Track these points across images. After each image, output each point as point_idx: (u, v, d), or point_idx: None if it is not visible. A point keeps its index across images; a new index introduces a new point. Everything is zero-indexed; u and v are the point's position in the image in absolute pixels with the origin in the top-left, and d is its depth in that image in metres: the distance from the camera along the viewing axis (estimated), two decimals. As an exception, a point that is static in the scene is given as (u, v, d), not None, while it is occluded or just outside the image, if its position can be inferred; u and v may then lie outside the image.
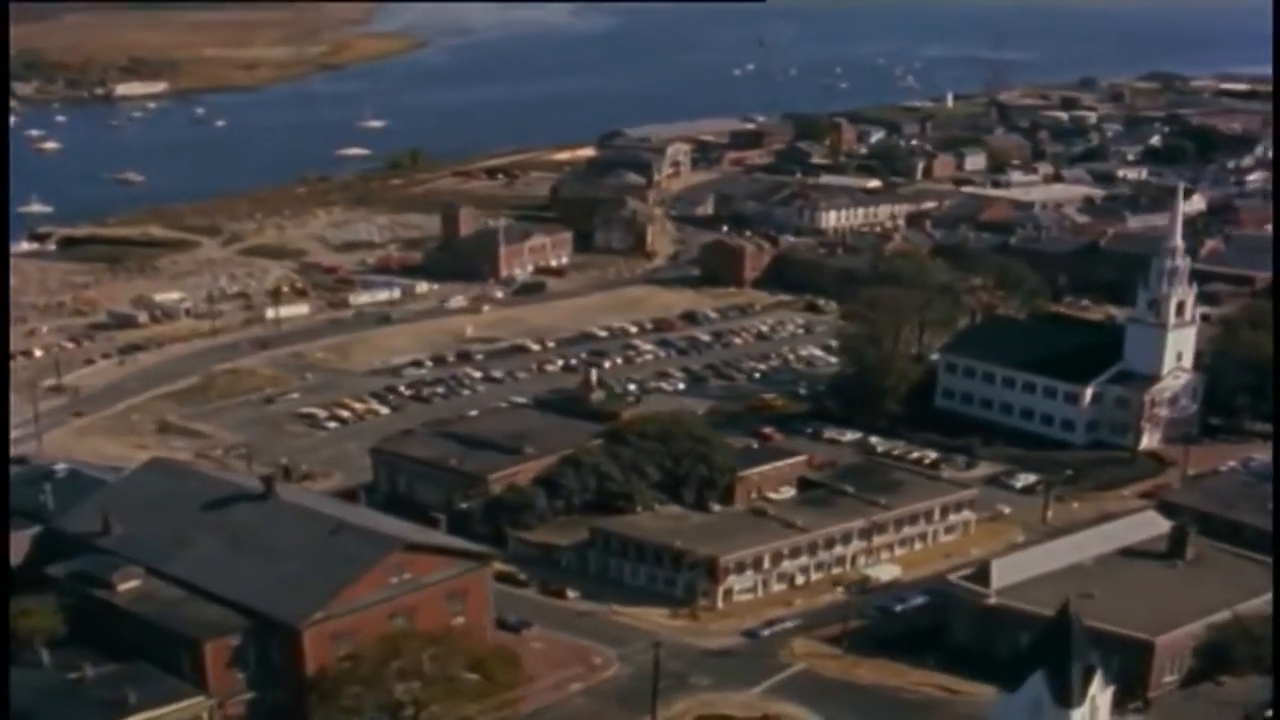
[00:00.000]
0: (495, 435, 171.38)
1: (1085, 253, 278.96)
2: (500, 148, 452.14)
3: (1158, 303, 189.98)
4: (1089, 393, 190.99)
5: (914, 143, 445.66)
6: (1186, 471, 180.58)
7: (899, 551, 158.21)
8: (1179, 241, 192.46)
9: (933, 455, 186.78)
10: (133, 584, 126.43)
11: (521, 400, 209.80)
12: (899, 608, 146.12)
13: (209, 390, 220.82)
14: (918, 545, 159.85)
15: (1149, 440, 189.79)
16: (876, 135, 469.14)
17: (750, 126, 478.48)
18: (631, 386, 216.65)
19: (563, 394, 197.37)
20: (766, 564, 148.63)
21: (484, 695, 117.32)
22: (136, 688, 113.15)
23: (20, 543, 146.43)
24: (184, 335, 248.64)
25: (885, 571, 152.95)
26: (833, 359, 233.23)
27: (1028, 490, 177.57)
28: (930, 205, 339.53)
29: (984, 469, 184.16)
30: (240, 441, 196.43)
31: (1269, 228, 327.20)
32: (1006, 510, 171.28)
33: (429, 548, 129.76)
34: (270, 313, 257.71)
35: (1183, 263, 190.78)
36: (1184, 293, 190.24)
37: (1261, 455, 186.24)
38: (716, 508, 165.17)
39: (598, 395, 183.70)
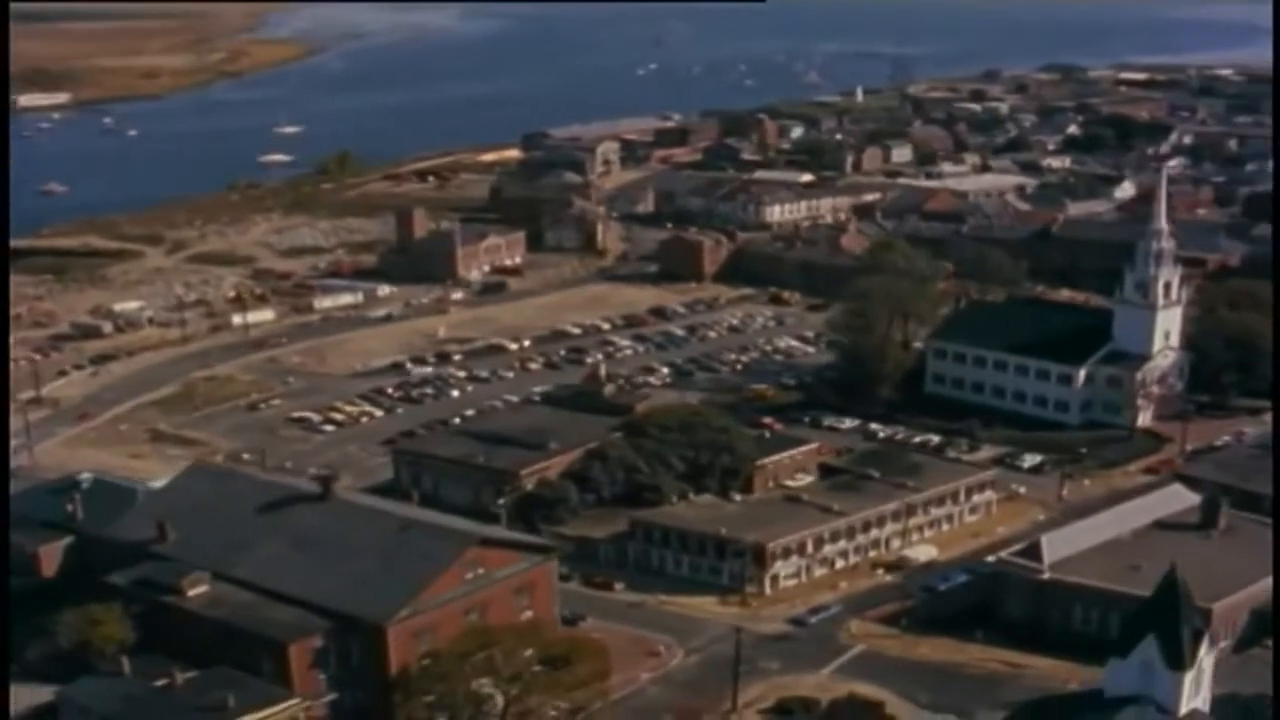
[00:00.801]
0: (515, 432, 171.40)
1: (1038, 239, 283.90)
2: (424, 151, 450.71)
3: (1145, 284, 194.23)
4: (1082, 373, 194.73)
5: (839, 137, 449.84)
6: (1185, 447, 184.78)
7: (929, 533, 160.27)
8: (1164, 224, 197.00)
9: (935, 439, 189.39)
10: (201, 589, 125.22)
11: (513, 398, 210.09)
12: (943, 587, 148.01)
13: (192, 398, 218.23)
14: (944, 526, 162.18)
15: (1143, 418, 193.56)
16: (796, 130, 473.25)
17: (671, 124, 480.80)
18: (619, 382, 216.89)
19: (571, 389, 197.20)
20: (810, 549, 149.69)
21: (577, 687, 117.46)
22: (229, 692, 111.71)
23: (52, 554, 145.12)
24: (153, 344, 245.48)
25: (922, 552, 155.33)
26: (810, 349, 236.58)
27: (1035, 470, 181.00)
28: (872, 197, 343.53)
29: (987, 451, 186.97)
30: (239, 448, 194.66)
31: (1201, 211, 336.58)
32: (1021, 490, 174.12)
33: (500, 542, 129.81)
34: (237, 319, 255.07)
35: (1168, 244, 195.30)
36: (1170, 273, 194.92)
37: (1251, 429, 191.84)
38: (738, 497, 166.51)
39: (610, 389, 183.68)
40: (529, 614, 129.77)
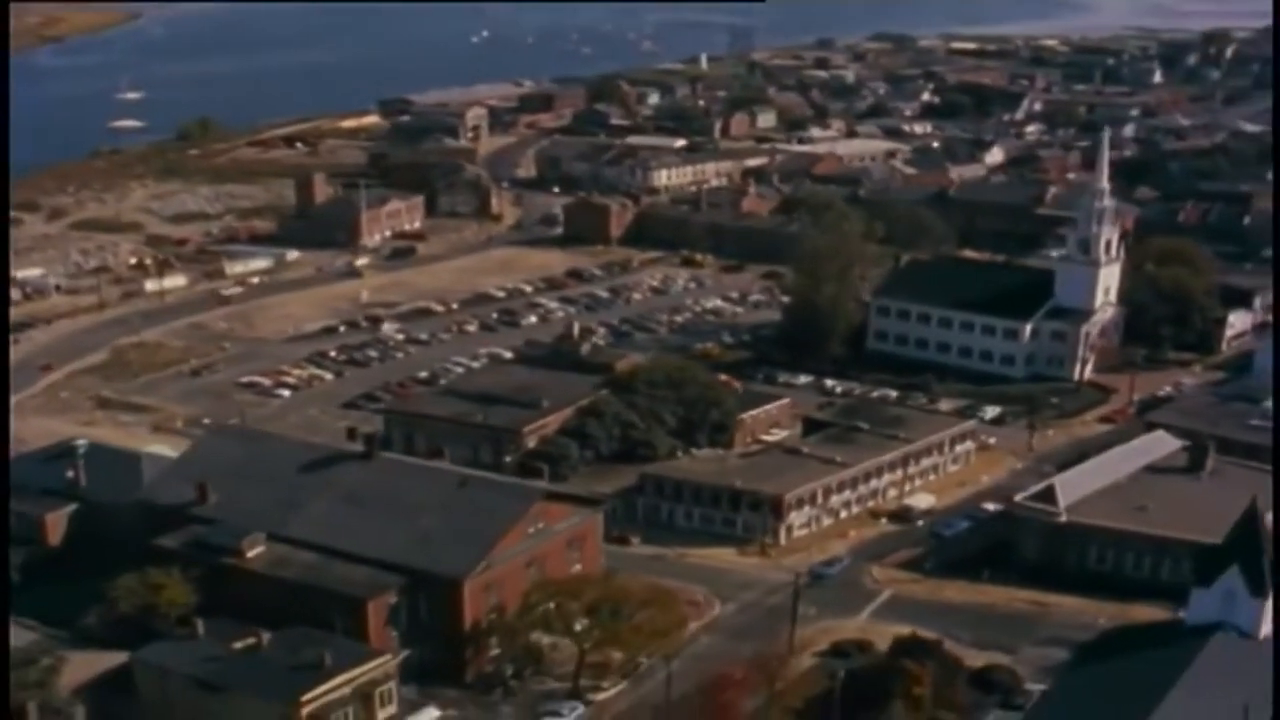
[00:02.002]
0: (504, 390, 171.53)
1: (935, 201, 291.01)
2: (280, 117, 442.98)
3: (1088, 241, 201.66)
4: (1028, 329, 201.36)
5: (700, 103, 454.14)
6: (1133, 397, 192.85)
7: (919, 482, 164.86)
8: (1105, 184, 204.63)
9: (892, 394, 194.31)
10: (259, 549, 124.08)
11: (462, 360, 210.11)
12: (948, 533, 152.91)
13: (127, 365, 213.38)
14: (931, 476, 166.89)
15: (1085, 371, 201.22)
16: (653, 97, 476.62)
17: (533, 90, 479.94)
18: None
19: (544, 347, 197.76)
20: (820, 499, 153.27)
21: (657, 636, 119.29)
22: (321, 649, 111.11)
23: (57, 521, 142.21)
24: (67, 311, 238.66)
25: (922, 500, 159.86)
26: (739, 309, 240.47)
27: (997, 421, 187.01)
28: (755, 162, 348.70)
29: (945, 404, 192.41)
30: (196, 413, 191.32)
31: (1071, 175, 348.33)
32: (991, 440, 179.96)
33: (558, 496, 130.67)
34: (150, 285, 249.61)
35: (1110, 203, 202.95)
36: (1111, 231, 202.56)
37: (1188, 379, 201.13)
38: (720, 451, 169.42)
39: (586, 347, 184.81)
40: (578, 567, 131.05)
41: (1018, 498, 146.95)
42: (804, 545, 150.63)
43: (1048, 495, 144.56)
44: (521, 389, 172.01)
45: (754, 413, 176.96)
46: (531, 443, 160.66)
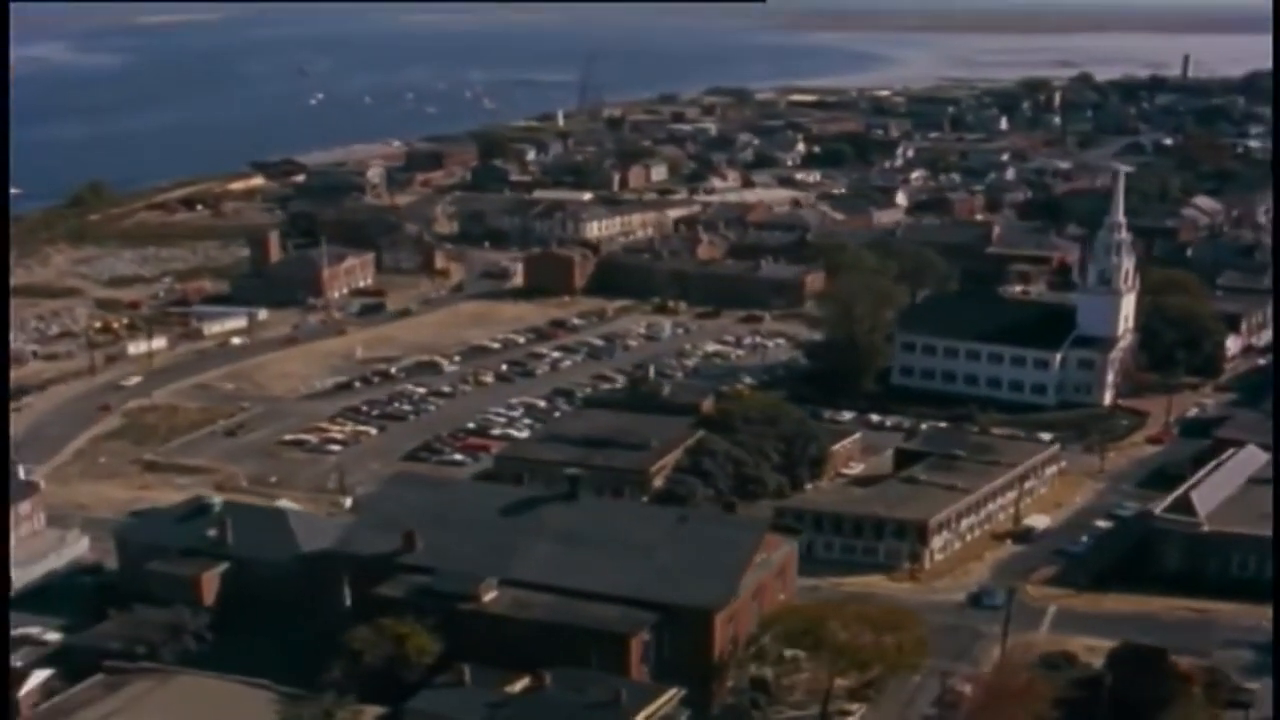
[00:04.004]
0: (605, 434, 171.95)
1: (881, 243, 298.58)
2: (159, 181, 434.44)
3: (1108, 272, 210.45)
4: (1058, 358, 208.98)
5: (578, 158, 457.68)
6: (1170, 418, 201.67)
7: (1022, 504, 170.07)
8: (1122, 218, 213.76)
9: (942, 425, 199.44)
10: (494, 593, 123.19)
11: (499, 410, 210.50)
12: (1074, 549, 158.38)
13: (150, 428, 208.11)
14: (1028, 499, 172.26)
15: (1108, 396, 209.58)
16: (530, 153, 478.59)
17: (409, 149, 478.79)
18: (586, 390, 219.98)
19: (621, 392, 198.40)
20: (953, 524, 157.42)
21: (908, 654, 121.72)
22: (609, 688, 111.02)
23: (211, 581, 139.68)
24: (57, 377, 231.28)
25: (1039, 521, 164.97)
26: (739, 352, 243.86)
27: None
28: (683, 212, 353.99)
29: (996, 433, 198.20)
30: (255, 472, 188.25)
31: (978, 216, 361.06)
32: (1061, 464, 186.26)
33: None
34: (132, 349, 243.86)
35: (1126, 236, 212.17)
36: (1128, 262, 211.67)
37: (1208, 400, 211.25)
38: (810, 485, 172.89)
39: (666, 389, 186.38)
40: (782, 596, 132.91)
41: (1157, 510, 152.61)
42: (946, 569, 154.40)
43: (1184, 507, 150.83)
44: (622, 431, 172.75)
45: (838, 446, 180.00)
46: (658, 482, 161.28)
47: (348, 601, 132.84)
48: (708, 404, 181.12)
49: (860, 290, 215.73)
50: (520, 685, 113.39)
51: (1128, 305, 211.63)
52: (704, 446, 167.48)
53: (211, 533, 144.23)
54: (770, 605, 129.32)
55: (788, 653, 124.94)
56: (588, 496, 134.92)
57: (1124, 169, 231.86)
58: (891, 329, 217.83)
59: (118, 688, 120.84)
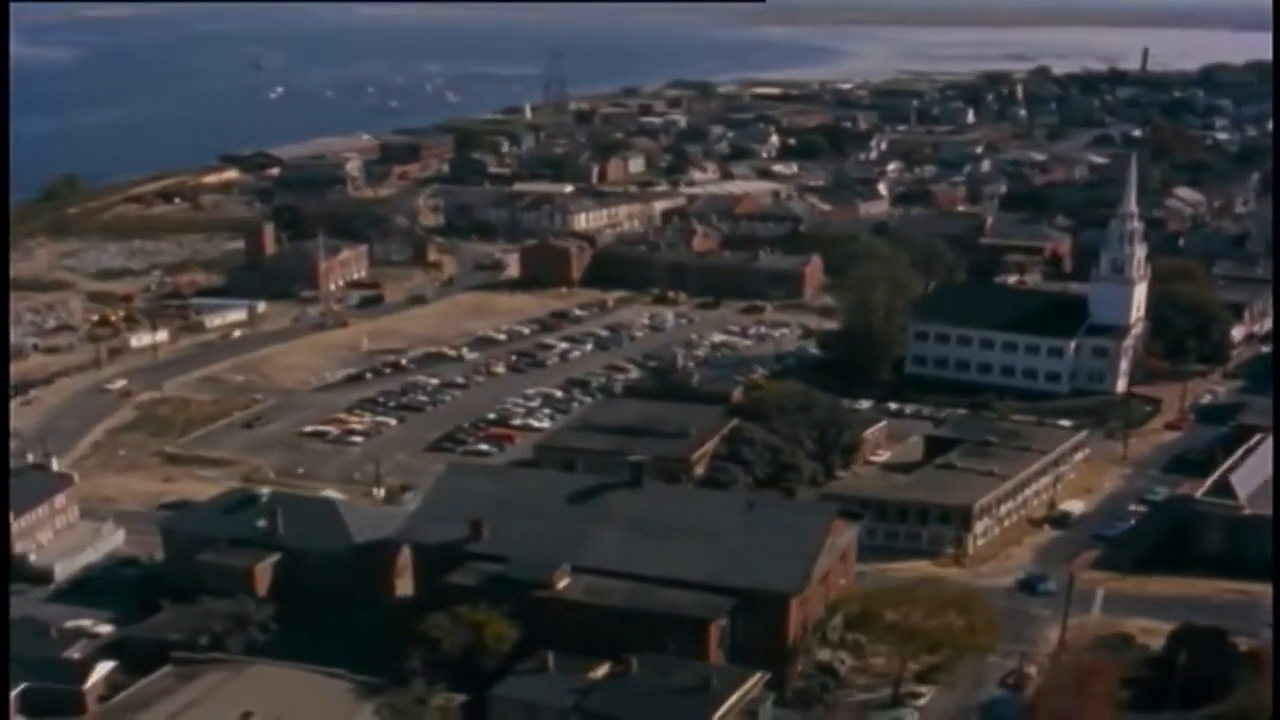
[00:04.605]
0: (642, 423, 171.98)
1: (877, 234, 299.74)
2: (131, 175, 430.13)
3: (1121, 261, 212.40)
4: (1072, 346, 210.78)
5: (558, 150, 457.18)
6: (1185, 404, 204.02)
7: (1053, 489, 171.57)
8: (1134, 207, 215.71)
9: (961, 413, 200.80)
10: (567, 580, 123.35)
11: (522, 399, 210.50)
12: (1111, 533, 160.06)
13: (165, 421, 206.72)
14: (1059, 484, 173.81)
15: (1121, 383, 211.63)
16: (504, 146, 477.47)
17: (384, 141, 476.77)
18: (600, 379, 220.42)
19: (651, 381, 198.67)
20: (993, 509, 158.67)
21: (978, 635, 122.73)
22: (696, 674, 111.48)
23: (264, 572, 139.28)
24: (62, 370, 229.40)
25: (1074, 506, 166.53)
26: (746, 343, 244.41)
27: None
28: (669, 204, 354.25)
29: (1018, 420, 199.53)
30: (280, 464, 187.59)
31: (960, 207, 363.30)
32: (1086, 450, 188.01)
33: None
34: (136, 341, 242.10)
35: (1139, 226, 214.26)
36: (1140, 251, 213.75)
37: (1219, 388, 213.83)
38: (840, 473, 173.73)
39: (697, 378, 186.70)
40: (843, 581, 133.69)
41: (1198, 494, 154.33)
42: (989, 554, 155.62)
43: (1224, 490, 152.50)
44: (657, 420, 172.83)
45: (868, 433, 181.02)
46: (699, 470, 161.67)
47: (410, 590, 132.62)
48: (737, 393, 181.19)
49: (877, 279, 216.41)
50: (601, 671, 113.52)
51: (1140, 293, 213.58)
52: (740, 434, 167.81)
53: (261, 523, 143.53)
54: (834, 590, 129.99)
55: (850, 636, 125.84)
56: (651, 483, 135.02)
57: (1132, 159, 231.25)
58: (906, 318, 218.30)
59: (190, 679, 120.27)
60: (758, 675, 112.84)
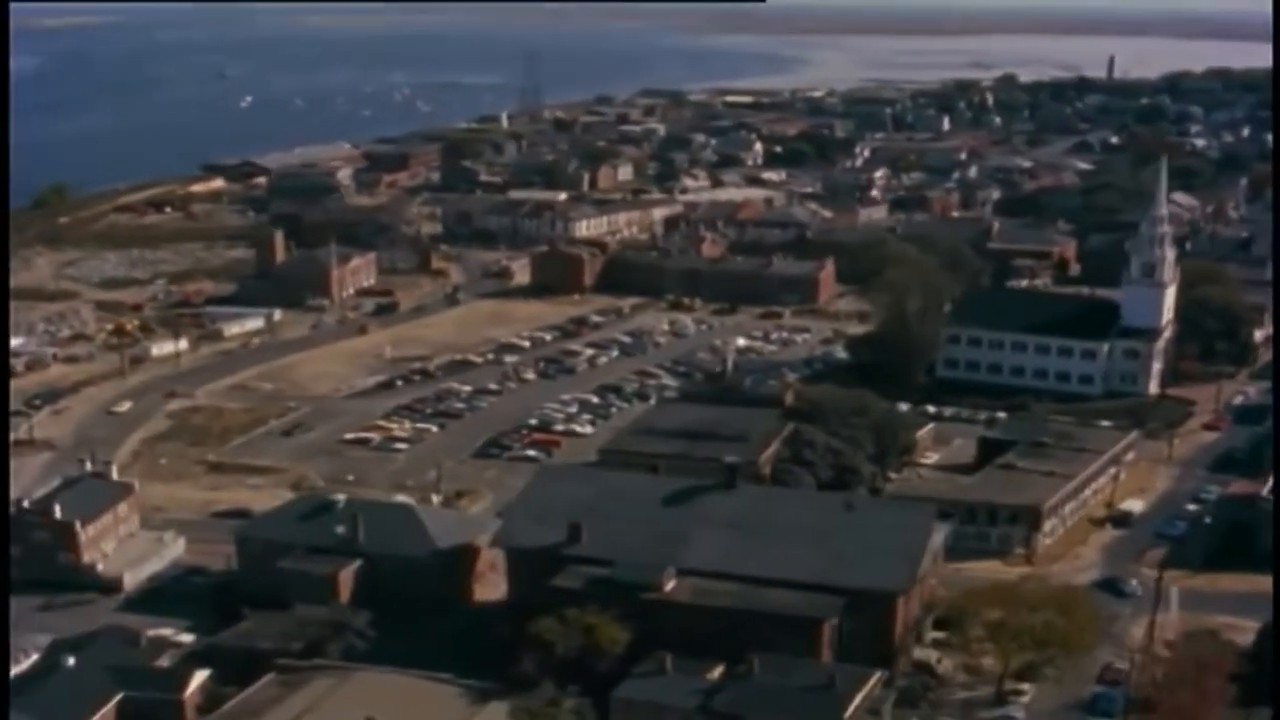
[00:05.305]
0: (700, 427, 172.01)
1: (879, 243, 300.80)
2: (115, 184, 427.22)
3: (1152, 265, 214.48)
4: (1105, 348, 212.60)
5: (549, 157, 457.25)
6: (1219, 405, 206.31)
7: (1108, 489, 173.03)
8: (1164, 211, 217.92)
9: (1002, 415, 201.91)
10: (673, 582, 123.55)
11: (555, 406, 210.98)
12: (1173, 532, 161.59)
13: (201, 429, 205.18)
14: (1112, 485, 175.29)
15: (1153, 385, 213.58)
16: (486, 153, 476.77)
17: (351, 150, 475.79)
18: (633, 385, 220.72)
19: (703, 385, 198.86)
20: (1058, 509, 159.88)
21: (1081, 632, 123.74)
22: (811, 674, 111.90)
23: (347, 579, 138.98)
24: (87, 380, 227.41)
25: (1134, 505, 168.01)
26: (771, 348, 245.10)
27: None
28: (669, 211, 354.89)
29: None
30: (327, 472, 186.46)
31: (955, 213, 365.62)
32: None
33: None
34: (157, 350, 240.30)
35: (1169, 229, 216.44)
36: (1171, 254, 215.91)
37: (1249, 389, 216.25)
38: (893, 475, 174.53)
39: (748, 382, 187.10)
40: (933, 580, 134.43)
41: (1264, 492, 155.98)
42: (1058, 553, 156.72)
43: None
44: (717, 424, 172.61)
45: (919, 435, 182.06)
46: (766, 472, 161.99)
47: (494, 594, 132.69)
48: (789, 396, 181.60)
49: (911, 283, 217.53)
50: (717, 672, 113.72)
51: (1170, 296, 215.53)
52: (801, 437, 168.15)
53: (340, 530, 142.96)
54: (928, 590, 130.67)
55: (954, 635, 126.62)
56: (744, 485, 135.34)
57: (1163, 163, 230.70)
58: (941, 322, 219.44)
59: (295, 686, 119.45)
60: (877, 674, 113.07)
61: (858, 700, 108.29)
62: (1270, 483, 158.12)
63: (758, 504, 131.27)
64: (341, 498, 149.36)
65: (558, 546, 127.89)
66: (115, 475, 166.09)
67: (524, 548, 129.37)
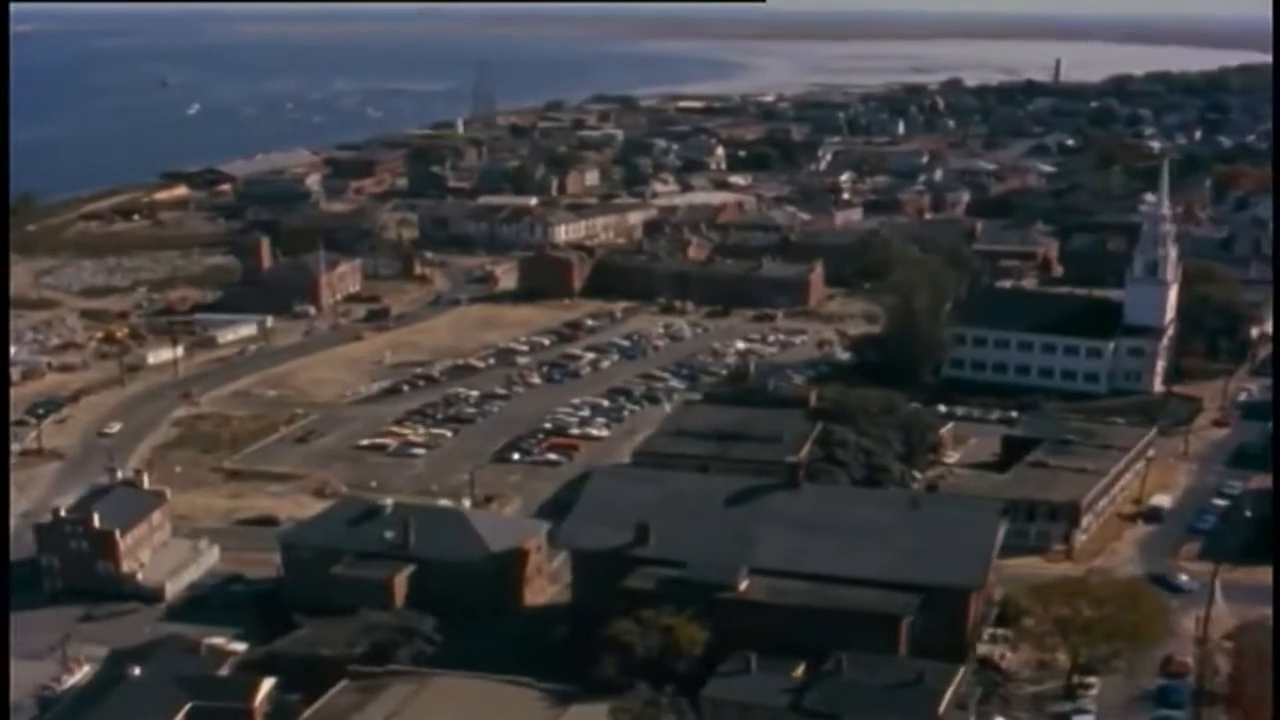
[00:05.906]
0: (732, 428, 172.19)
1: (862, 244, 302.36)
2: (77, 192, 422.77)
3: (1155, 264, 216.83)
4: (1110, 347, 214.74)
5: (514, 164, 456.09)
6: (1226, 401, 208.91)
7: (1134, 485, 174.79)
8: (1167, 210, 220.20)
9: (1013, 414, 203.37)
10: (747, 581, 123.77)
11: (567, 410, 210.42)
12: (1203, 526, 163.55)
13: (211, 437, 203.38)
14: (1136, 481, 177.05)
15: (1156, 382, 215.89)
16: (450, 160, 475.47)
17: (311, 157, 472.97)
18: (640, 388, 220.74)
19: (724, 387, 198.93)
20: (1095, 505, 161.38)
21: (1148, 626, 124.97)
22: (898, 670, 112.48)
23: (402, 584, 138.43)
24: (87, 388, 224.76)
25: (1163, 500, 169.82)
26: (771, 350, 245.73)
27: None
28: (645, 216, 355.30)
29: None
30: (348, 478, 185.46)
31: (927, 215, 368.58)
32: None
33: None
34: (153, 358, 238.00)
35: (1172, 229, 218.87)
36: (1173, 253, 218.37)
37: (1252, 385, 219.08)
38: (918, 474, 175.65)
39: (771, 384, 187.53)
40: (991, 577, 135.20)
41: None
42: (1095, 548, 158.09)
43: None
44: (748, 425, 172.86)
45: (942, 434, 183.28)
46: (803, 472, 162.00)
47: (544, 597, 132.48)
48: (813, 397, 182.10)
49: (919, 283, 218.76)
50: (799, 670, 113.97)
51: (1172, 295, 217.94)
52: (833, 437, 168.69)
53: (389, 535, 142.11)
54: (989, 586, 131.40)
55: (1024, 630, 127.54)
56: (808, 484, 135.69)
57: (1164, 165, 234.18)
58: (951, 322, 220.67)
59: (374, 693, 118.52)
60: (961, 670, 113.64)
61: (948, 696, 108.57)
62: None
63: (823, 503, 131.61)
64: (389, 502, 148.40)
65: (625, 548, 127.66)
66: (147, 483, 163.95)
67: (589, 550, 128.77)
